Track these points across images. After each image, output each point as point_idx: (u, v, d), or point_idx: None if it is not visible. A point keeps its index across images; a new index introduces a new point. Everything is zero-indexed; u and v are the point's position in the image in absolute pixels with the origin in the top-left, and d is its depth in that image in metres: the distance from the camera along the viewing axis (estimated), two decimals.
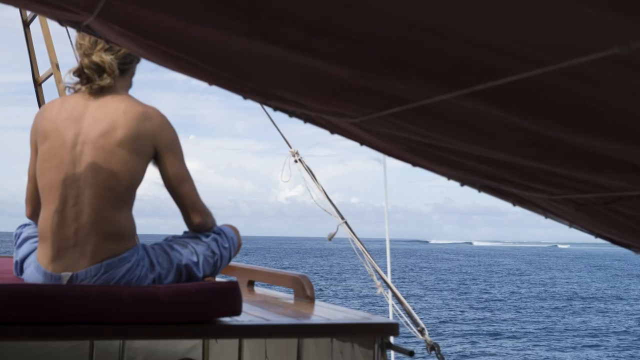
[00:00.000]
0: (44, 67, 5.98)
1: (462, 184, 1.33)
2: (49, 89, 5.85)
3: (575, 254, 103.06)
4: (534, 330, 26.44)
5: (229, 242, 3.03)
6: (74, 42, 2.94)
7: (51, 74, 5.68)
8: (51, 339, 3.29)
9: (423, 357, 6.82)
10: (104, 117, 2.75)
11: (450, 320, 27.88)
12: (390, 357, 3.39)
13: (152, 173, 2.86)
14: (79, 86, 2.83)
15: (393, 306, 3.42)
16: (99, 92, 2.81)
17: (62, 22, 1.18)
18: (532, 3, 0.71)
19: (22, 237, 2.99)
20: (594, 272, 59.23)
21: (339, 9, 0.81)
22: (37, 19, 5.81)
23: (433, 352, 2.95)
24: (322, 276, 45.62)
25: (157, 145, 2.79)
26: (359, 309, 3.93)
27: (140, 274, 2.76)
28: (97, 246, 2.70)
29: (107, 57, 2.79)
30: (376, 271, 3.48)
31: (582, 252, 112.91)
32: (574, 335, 25.77)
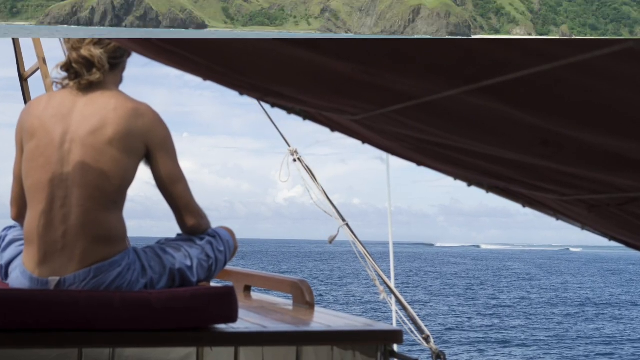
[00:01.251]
0: (30, 62, 5.94)
1: (470, 185, 1.33)
2: (36, 84, 5.80)
3: (587, 257, 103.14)
4: (545, 338, 26.40)
5: (224, 245, 3.00)
6: None
7: (38, 69, 5.65)
8: (38, 346, 3.31)
9: None
10: (93, 114, 2.73)
11: (457, 327, 27.87)
12: None
13: (143, 173, 2.83)
14: (67, 81, 2.80)
15: (397, 312, 3.40)
16: (88, 87, 2.77)
17: None
18: None
19: (7, 240, 2.95)
20: (607, 276, 59.27)
21: None
22: None
23: None
24: (322, 281, 45.73)
25: (149, 143, 2.77)
26: (360, 315, 3.91)
27: (132, 278, 2.73)
28: (86, 249, 2.68)
29: (97, 51, 2.77)
30: (379, 276, 3.46)
31: (595, 255, 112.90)
32: (586, 343, 25.70)
